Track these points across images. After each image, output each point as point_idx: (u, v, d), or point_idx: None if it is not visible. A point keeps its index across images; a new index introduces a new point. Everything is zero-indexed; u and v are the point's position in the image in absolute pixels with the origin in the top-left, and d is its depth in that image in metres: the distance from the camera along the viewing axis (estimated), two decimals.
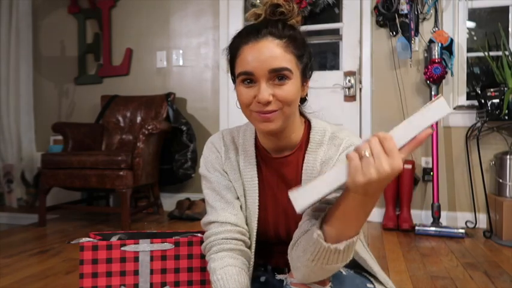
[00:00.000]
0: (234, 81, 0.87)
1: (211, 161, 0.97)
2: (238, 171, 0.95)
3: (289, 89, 0.80)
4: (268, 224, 0.93)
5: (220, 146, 0.97)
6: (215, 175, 0.95)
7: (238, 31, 0.86)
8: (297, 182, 0.90)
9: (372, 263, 0.91)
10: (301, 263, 0.71)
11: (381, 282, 0.90)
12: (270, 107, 0.80)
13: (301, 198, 0.60)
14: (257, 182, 0.93)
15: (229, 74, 0.90)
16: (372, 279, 0.89)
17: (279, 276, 0.81)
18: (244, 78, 0.81)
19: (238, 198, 0.94)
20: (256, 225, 0.92)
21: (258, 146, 0.95)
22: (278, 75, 0.79)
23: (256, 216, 0.92)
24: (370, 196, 0.61)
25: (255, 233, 0.92)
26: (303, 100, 0.92)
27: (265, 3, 0.84)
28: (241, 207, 0.94)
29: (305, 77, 0.86)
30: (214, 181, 0.95)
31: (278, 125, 0.82)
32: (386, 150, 0.57)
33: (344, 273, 0.80)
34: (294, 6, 0.84)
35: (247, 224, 0.94)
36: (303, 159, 0.90)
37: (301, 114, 0.94)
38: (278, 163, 0.92)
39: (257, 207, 0.92)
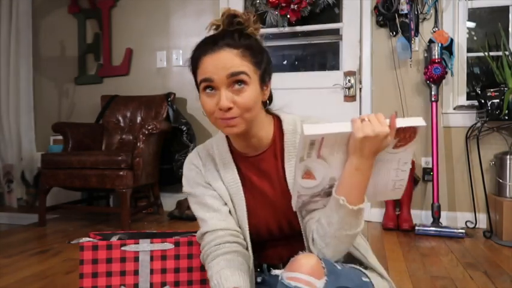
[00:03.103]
0: (198, 91, 0.91)
1: (193, 177, 1.00)
2: (220, 179, 0.98)
3: (248, 95, 0.84)
4: (259, 221, 0.96)
5: (198, 161, 1.01)
6: (199, 189, 0.99)
7: (197, 43, 0.91)
8: (278, 173, 0.95)
9: (369, 255, 0.96)
10: (330, 235, 0.82)
11: (378, 274, 0.93)
12: (231, 113, 0.84)
13: (313, 128, 0.73)
14: (240, 184, 0.96)
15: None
16: (367, 272, 0.91)
17: (274, 272, 0.82)
18: (205, 86, 0.86)
19: (225, 204, 0.97)
20: (247, 225, 0.95)
21: (232, 150, 0.99)
22: (236, 81, 0.84)
23: (246, 216, 0.95)
24: (365, 157, 0.77)
25: (247, 233, 0.95)
26: (265, 104, 0.95)
27: (222, 14, 0.89)
28: (230, 212, 0.97)
29: (264, 82, 0.90)
30: (199, 194, 0.98)
31: (241, 128, 0.87)
32: (379, 120, 0.76)
33: (339, 267, 0.83)
34: (251, 16, 0.90)
35: (239, 227, 0.97)
36: (281, 151, 0.95)
37: (268, 112, 0.99)
38: (257, 160, 0.97)
39: (245, 207, 0.95)
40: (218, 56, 0.84)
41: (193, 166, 1.01)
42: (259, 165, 0.96)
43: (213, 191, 0.98)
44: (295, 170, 0.79)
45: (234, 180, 0.97)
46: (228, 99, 0.83)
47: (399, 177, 0.84)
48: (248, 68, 0.85)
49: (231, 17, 0.88)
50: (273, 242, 0.99)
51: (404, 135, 0.77)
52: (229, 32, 0.87)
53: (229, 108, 0.83)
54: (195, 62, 0.89)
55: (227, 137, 0.99)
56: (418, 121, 0.76)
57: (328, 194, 0.83)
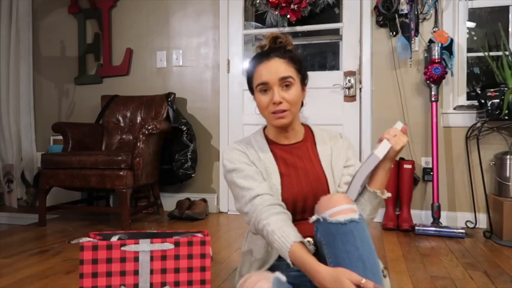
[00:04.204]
0: (252, 93, 1.20)
1: (237, 157, 1.18)
2: (259, 160, 1.19)
3: (293, 92, 1.14)
4: (288, 194, 1.14)
5: (242, 147, 1.22)
6: (244, 165, 1.17)
7: (252, 58, 1.20)
8: (309, 156, 1.21)
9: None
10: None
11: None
12: (282, 106, 1.12)
13: (381, 151, 1.05)
14: (275, 163, 1.18)
15: (247, 88, 1.24)
16: None
17: (312, 219, 0.98)
18: (261, 88, 1.14)
19: (265, 180, 1.16)
20: (280, 198, 1.13)
21: (268, 141, 1.24)
22: (285, 82, 1.12)
23: (280, 190, 1.14)
24: (393, 161, 1.10)
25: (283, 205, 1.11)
26: (302, 103, 1.23)
27: (268, 37, 1.18)
28: None
29: (303, 84, 1.20)
30: (245, 168, 1.16)
31: (288, 120, 1.15)
32: (400, 134, 1.07)
33: None
34: (288, 37, 1.20)
35: None
36: (313, 143, 1.25)
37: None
38: (291, 148, 1.23)
39: (280, 182, 1.15)
40: (271, 64, 1.13)
41: (236, 150, 1.20)
42: (293, 151, 1.22)
43: (256, 167, 1.17)
44: (357, 180, 1.07)
45: (270, 161, 1.18)
46: (279, 95, 1.11)
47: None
48: (292, 72, 1.13)
49: (275, 39, 1.17)
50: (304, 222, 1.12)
51: None
52: (277, 48, 1.17)
53: (280, 102, 1.11)
54: (250, 71, 1.18)
55: (264, 131, 1.27)
56: (385, 145, 1.06)
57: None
